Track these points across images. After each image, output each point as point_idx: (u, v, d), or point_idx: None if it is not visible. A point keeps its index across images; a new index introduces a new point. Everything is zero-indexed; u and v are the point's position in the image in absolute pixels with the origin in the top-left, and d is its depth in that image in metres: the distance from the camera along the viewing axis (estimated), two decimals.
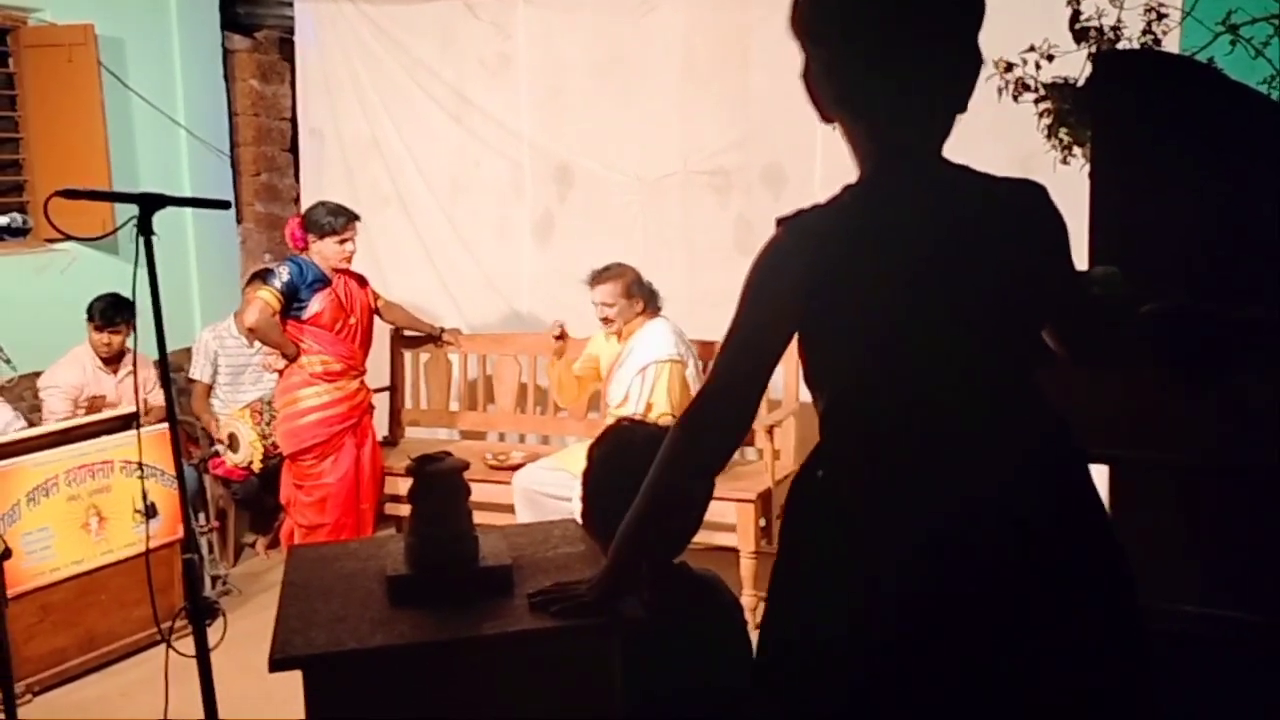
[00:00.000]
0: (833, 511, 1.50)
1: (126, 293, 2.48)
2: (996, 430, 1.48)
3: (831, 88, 1.48)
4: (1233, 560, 2.25)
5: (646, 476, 1.61)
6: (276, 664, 1.60)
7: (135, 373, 3.57)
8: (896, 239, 1.45)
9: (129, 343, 4.77)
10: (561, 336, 4.74)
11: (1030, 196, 1.53)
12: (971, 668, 1.43)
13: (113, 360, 4.85)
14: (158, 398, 4.72)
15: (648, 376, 4.33)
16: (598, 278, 4.49)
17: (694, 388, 4.29)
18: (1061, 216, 1.54)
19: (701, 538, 4.19)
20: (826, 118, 1.52)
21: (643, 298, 4.47)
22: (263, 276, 4.64)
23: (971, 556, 1.43)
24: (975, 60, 1.49)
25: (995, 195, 1.52)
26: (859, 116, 1.49)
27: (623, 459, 2.01)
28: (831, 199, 1.51)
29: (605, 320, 4.50)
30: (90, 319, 4.74)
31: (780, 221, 1.48)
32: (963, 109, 1.49)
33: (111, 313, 4.66)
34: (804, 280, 1.45)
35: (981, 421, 1.47)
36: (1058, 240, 1.55)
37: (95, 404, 4.72)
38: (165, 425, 2.62)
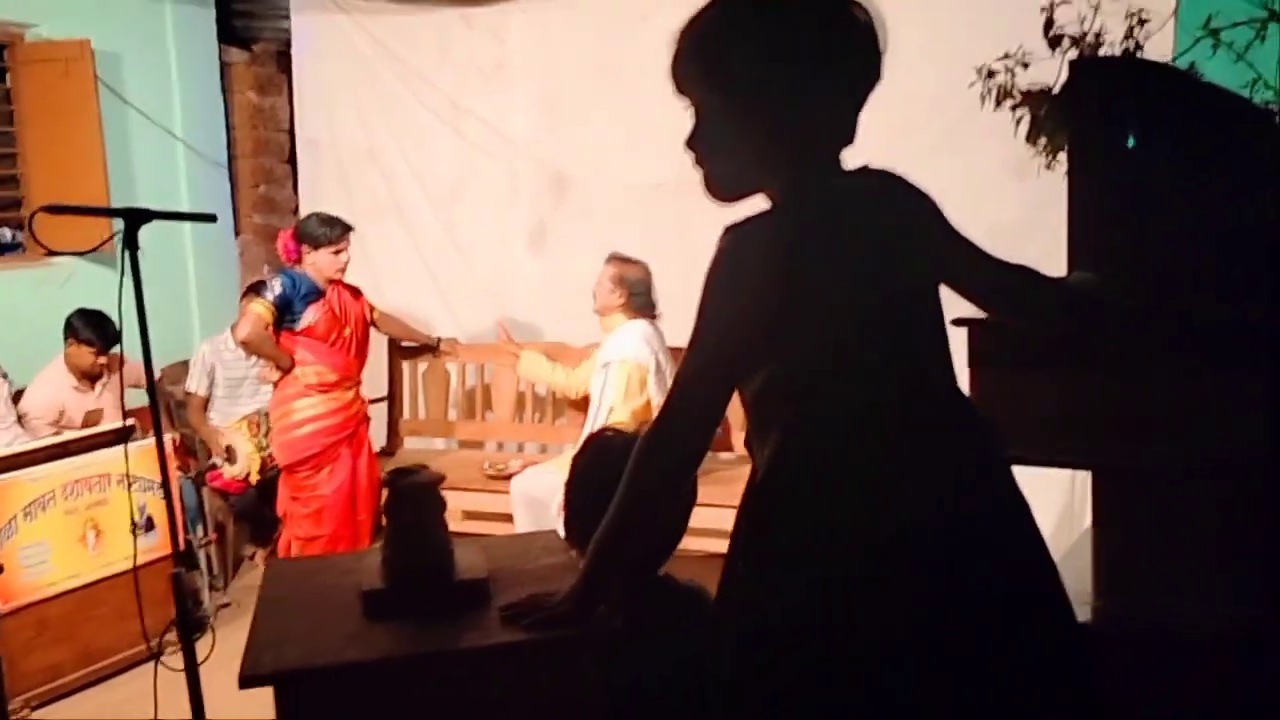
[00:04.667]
0: (793, 510, 1.51)
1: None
2: (941, 426, 1.54)
3: (740, 132, 1.50)
4: (1214, 559, 2.24)
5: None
6: (246, 681, 1.61)
7: (121, 379, 3.53)
8: (832, 242, 1.49)
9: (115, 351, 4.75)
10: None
11: (900, 184, 1.61)
12: (925, 663, 1.45)
13: (92, 377, 4.83)
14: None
15: (609, 374, 4.38)
16: (610, 259, 4.56)
17: (659, 395, 4.30)
18: (927, 194, 1.62)
19: (696, 545, 4.21)
20: (729, 184, 1.55)
21: (625, 294, 4.48)
22: (256, 289, 4.64)
23: (924, 556, 1.46)
24: (862, 105, 1.54)
25: (883, 189, 1.59)
26: (779, 161, 1.52)
27: (602, 469, 2.01)
28: (769, 210, 1.53)
29: (593, 295, 4.58)
30: (76, 336, 4.69)
31: (728, 230, 1.48)
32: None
33: (110, 330, 4.64)
34: (759, 284, 1.46)
35: (927, 417, 1.52)
36: (938, 215, 1.63)
37: (91, 418, 4.72)
38: None
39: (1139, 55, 2.55)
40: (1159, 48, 2.73)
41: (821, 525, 1.48)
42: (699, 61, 1.51)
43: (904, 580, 1.45)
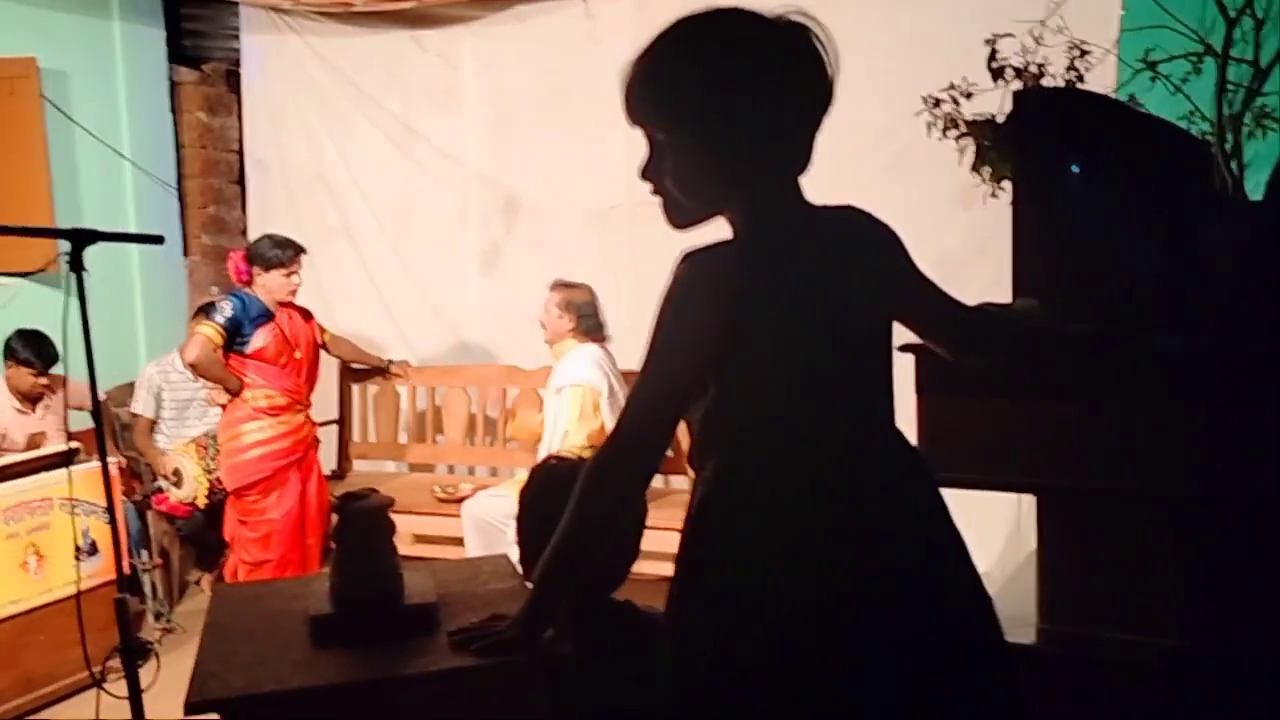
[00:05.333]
0: (723, 541, 1.53)
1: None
2: (881, 463, 1.56)
3: (708, 169, 1.51)
4: (1162, 588, 2.28)
5: None
6: (190, 707, 1.59)
7: (65, 401, 3.48)
8: (787, 275, 1.50)
9: (59, 370, 4.68)
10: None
11: (865, 219, 1.62)
12: (858, 696, 1.46)
13: (34, 399, 4.75)
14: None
15: (562, 399, 4.39)
16: (553, 286, 4.56)
17: (612, 419, 4.31)
18: (893, 231, 1.64)
19: (653, 569, 4.22)
20: (686, 212, 1.56)
21: (574, 318, 4.50)
22: (207, 311, 4.60)
23: (856, 592, 1.47)
24: (816, 131, 1.55)
25: (846, 224, 1.60)
26: (737, 190, 1.52)
27: (549, 497, 2.02)
28: (728, 240, 1.54)
29: (541, 324, 4.57)
30: (14, 357, 4.62)
31: (686, 256, 1.49)
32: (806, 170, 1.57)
33: (49, 350, 4.58)
34: (712, 314, 1.47)
35: (866, 453, 1.54)
36: (902, 253, 1.65)
37: (34, 441, 4.65)
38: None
39: (1081, 87, 2.61)
40: (1100, 80, 2.80)
41: (751, 557, 1.48)
42: (649, 93, 1.51)
43: (835, 615, 1.46)
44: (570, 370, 4.43)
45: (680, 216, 1.56)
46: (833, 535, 1.48)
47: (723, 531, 1.53)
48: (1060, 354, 2.02)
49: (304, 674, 1.68)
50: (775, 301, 1.48)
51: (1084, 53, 2.68)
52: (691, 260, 1.48)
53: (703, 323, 1.47)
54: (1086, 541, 2.32)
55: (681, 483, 4.87)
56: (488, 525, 4.44)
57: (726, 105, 1.47)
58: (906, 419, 1.98)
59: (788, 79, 1.49)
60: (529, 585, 2.02)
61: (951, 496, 1.66)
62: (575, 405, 4.32)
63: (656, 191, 1.56)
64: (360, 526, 1.86)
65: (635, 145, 1.59)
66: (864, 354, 1.57)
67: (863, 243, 1.60)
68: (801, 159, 1.55)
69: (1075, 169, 2.29)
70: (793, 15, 1.51)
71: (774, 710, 1.46)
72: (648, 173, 1.55)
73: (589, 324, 4.52)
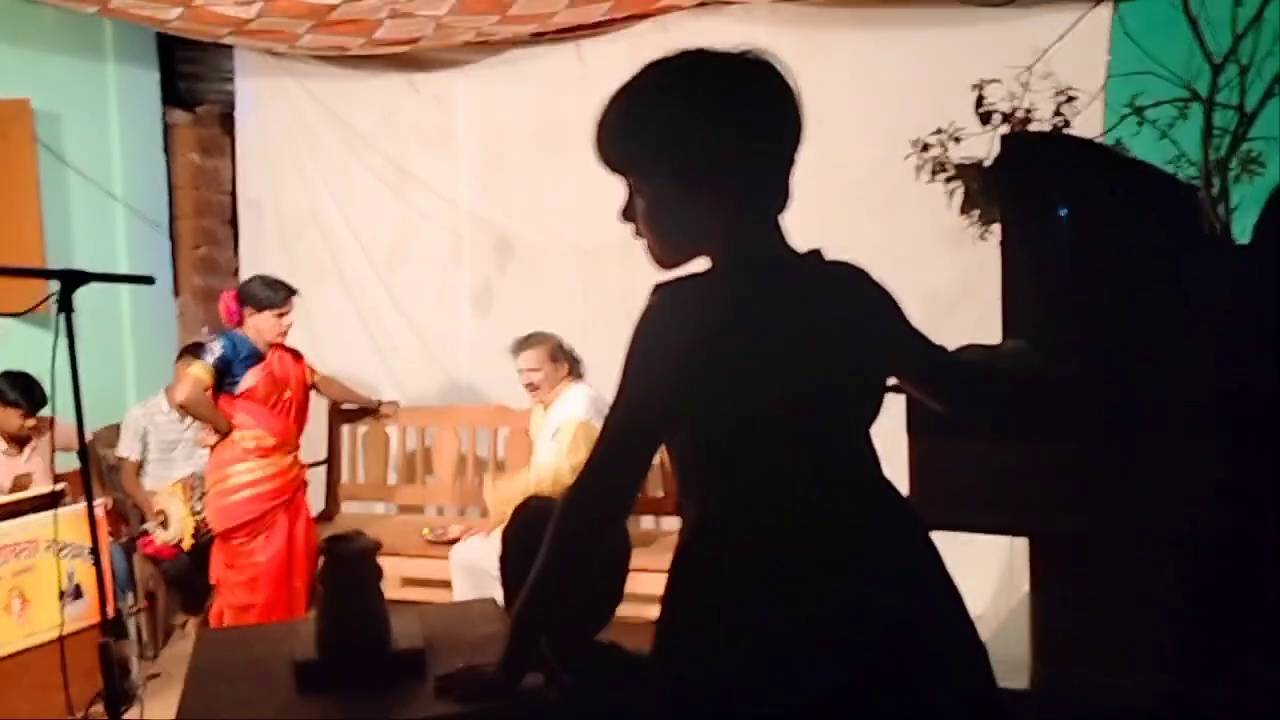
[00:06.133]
0: (714, 579, 1.52)
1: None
2: (862, 507, 1.55)
3: (681, 210, 1.51)
4: (1157, 630, 2.27)
5: None
6: None
7: (52, 442, 3.45)
8: (762, 318, 1.49)
9: (46, 412, 4.66)
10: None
11: (861, 276, 1.63)
12: None
13: (21, 441, 4.72)
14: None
15: (562, 437, 4.36)
16: (521, 345, 4.55)
17: None
18: (885, 289, 1.64)
19: (642, 612, 4.19)
20: (670, 252, 1.56)
21: (567, 362, 4.52)
22: (194, 351, 4.59)
23: (839, 635, 1.46)
24: (791, 167, 1.55)
25: (834, 274, 1.60)
26: (715, 231, 1.52)
27: (532, 537, 2.01)
28: (703, 273, 1.54)
29: (530, 387, 4.55)
30: (2, 399, 4.59)
31: (658, 288, 1.50)
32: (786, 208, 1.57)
33: (37, 392, 4.56)
34: (685, 343, 1.46)
35: (847, 497, 1.53)
36: (892, 307, 1.65)
37: (20, 483, 4.62)
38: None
39: (1067, 132, 2.64)
40: (1087, 125, 2.82)
41: (730, 602, 1.48)
42: (615, 136, 1.53)
43: (817, 658, 1.45)
44: (568, 409, 4.42)
45: (663, 257, 1.57)
46: (812, 580, 1.47)
47: (703, 577, 1.52)
48: (1049, 401, 2.03)
49: None
50: (743, 339, 1.47)
51: (1070, 98, 2.71)
52: (662, 291, 1.49)
53: (669, 353, 1.46)
54: (1080, 584, 2.31)
55: (672, 524, 4.85)
56: (476, 569, 4.41)
57: (690, 145, 1.48)
58: (898, 460, 1.98)
59: (751, 113, 1.49)
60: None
61: (943, 539, 1.65)
62: (579, 441, 4.31)
63: (638, 233, 1.57)
64: (346, 571, 1.84)
65: (626, 186, 1.60)
66: (847, 402, 1.56)
67: (853, 297, 1.60)
68: (776, 197, 1.54)
69: (1062, 212, 2.30)
70: (752, 52, 1.52)
71: None
72: (628, 214, 1.56)
73: (577, 366, 4.53)
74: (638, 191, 1.54)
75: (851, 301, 1.59)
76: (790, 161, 1.54)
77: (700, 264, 1.58)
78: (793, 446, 1.50)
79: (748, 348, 1.47)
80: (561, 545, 1.57)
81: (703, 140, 1.48)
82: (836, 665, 1.46)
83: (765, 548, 1.48)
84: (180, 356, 5.15)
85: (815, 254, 1.59)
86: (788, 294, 1.52)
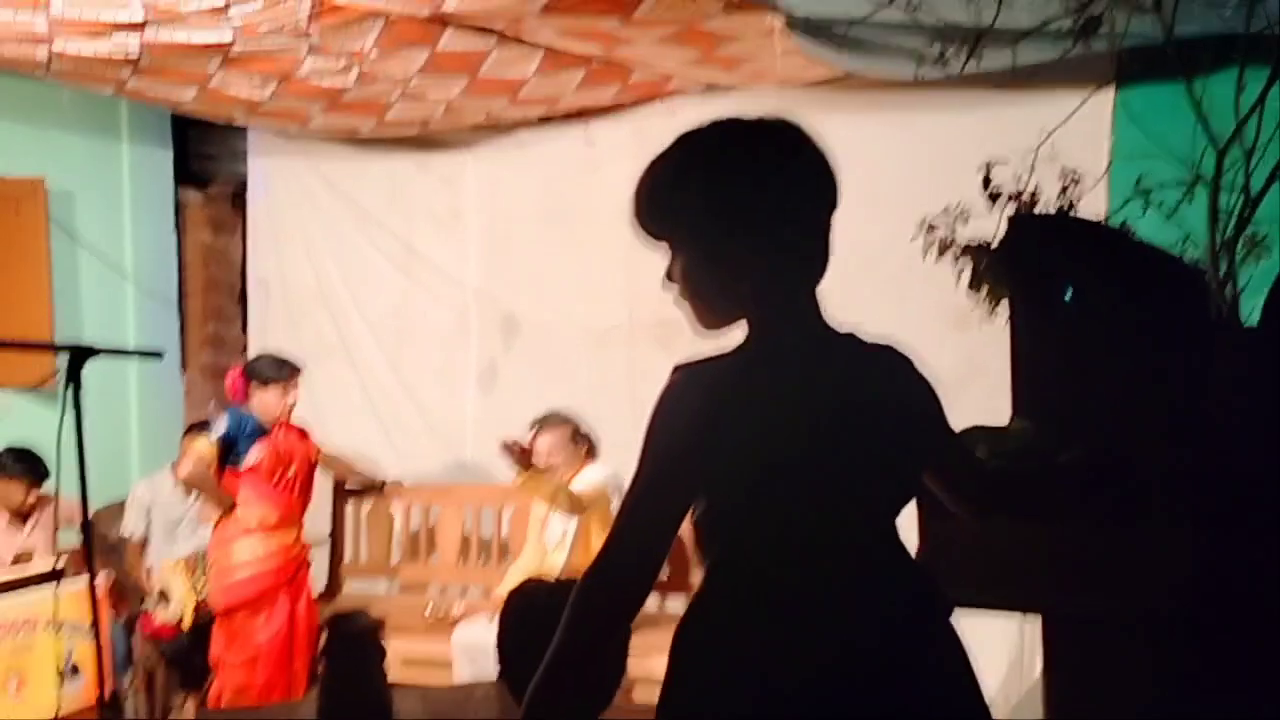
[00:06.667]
0: (717, 655, 1.50)
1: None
2: (877, 584, 1.53)
3: (716, 278, 1.52)
4: (1161, 711, 2.23)
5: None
6: None
7: (55, 518, 3.43)
8: (786, 391, 1.48)
9: (50, 486, 4.64)
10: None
11: (903, 362, 1.62)
12: None
13: (23, 515, 4.69)
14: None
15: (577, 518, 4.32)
16: (543, 426, 4.50)
17: None
18: (929, 382, 1.63)
19: (650, 695, 4.12)
20: (709, 318, 1.56)
21: (585, 444, 4.51)
22: (201, 428, 4.59)
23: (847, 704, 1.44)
24: (829, 233, 1.56)
25: (873, 359, 1.59)
26: (750, 298, 1.53)
27: (528, 621, 2.01)
28: (726, 351, 1.53)
29: (550, 468, 4.49)
30: (5, 472, 4.59)
31: (677, 369, 1.49)
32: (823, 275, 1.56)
33: (40, 466, 4.55)
34: (695, 428, 1.46)
35: (862, 576, 1.51)
36: (931, 401, 1.64)
37: (21, 558, 4.58)
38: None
39: (1073, 213, 2.65)
40: (1092, 206, 2.84)
41: (732, 672, 1.47)
42: (649, 207, 1.55)
43: None
44: (586, 480, 4.40)
45: (702, 322, 1.57)
46: (817, 658, 1.45)
47: (701, 645, 1.51)
48: (1061, 483, 2.02)
49: None
50: (765, 419, 1.46)
51: (1075, 180, 2.73)
52: (681, 373, 1.49)
53: (689, 431, 1.46)
54: (1096, 666, 2.28)
55: (676, 605, 4.79)
56: (479, 651, 4.35)
57: (721, 210, 1.49)
58: (908, 535, 1.96)
59: (782, 177, 1.51)
60: (511, 704, 1.98)
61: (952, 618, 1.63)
62: (599, 512, 4.28)
63: (680, 297, 1.57)
64: (349, 650, 1.82)
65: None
66: (871, 490, 1.53)
67: (892, 384, 1.58)
68: (813, 264, 1.55)
69: (1069, 294, 2.31)
70: (784, 119, 1.54)
71: None
72: (670, 278, 1.57)
73: (591, 445, 4.51)
74: (676, 258, 1.55)
75: (889, 388, 1.57)
76: (826, 227, 1.55)
77: (730, 339, 1.57)
78: (808, 527, 1.48)
79: (768, 429, 1.46)
80: (580, 625, 1.52)
81: (733, 205, 1.49)
82: None
83: (768, 625, 1.47)
84: (187, 433, 5.15)
85: (851, 336, 1.58)
86: (818, 375, 1.51)
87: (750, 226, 1.49)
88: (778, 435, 1.46)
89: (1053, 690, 2.37)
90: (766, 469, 1.46)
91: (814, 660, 1.45)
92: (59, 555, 4.29)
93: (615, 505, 4.34)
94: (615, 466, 4.52)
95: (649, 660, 3.89)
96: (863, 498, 1.52)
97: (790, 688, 1.44)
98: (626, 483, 4.21)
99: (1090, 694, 2.29)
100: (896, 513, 1.59)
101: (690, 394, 1.47)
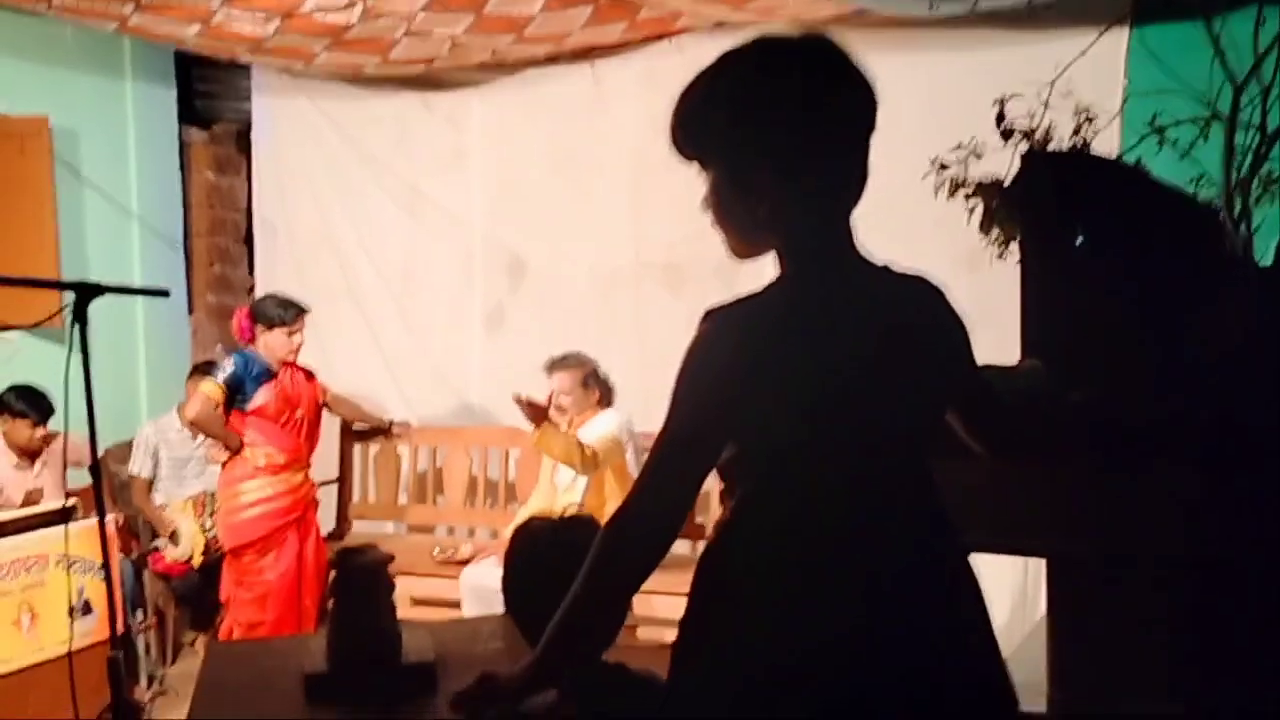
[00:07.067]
0: (741, 590, 1.49)
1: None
2: (906, 519, 1.51)
3: (743, 201, 1.49)
4: (1177, 655, 2.24)
5: (569, 578, 1.57)
6: None
7: (64, 457, 3.43)
8: (820, 333, 1.46)
9: (59, 426, 4.66)
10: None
11: (935, 293, 1.59)
12: None
13: (32, 454, 4.72)
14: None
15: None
16: (556, 365, 4.50)
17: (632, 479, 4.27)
18: (959, 315, 1.60)
19: (656, 634, 4.16)
20: (739, 244, 1.55)
21: (599, 389, 4.48)
22: (205, 370, 4.59)
23: (871, 643, 1.44)
24: (867, 157, 1.52)
25: (905, 291, 1.56)
26: (776, 224, 1.50)
27: (532, 558, 2.02)
28: (757, 292, 1.51)
29: (559, 409, 4.49)
30: (10, 411, 4.60)
31: (708, 314, 1.48)
32: (857, 201, 1.53)
33: (44, 403, 4.57)
34: (728, 373, 1.44)
35: (891, 510, 1.49)
36: (960, 336, 1.61)
37: (31, 498, 4.61)
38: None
39: (1087, 151, 2.62)
40: (1106, 144, 2.81)
41: (757, 604, 1.46)
42: (685, 125, 1.52)
43: (843, 672, 1.43)
44: (595, 431, 4.39)
45: (736, 250, 1.56)
46: (842, 593, 1.45)
47: (730, 581, 1.50)
48: (1071, 425, 2.01)
49: None
50: (799, 354, 1.44)
51: (1090, 118, 2.69)
52: (712, 317, 1.47)
53: (721, 378, 1.44)
54: (1098, 607, 2.29)
55: (685, 548, 4.81)
56: (486, 590, 4.38)
57: (749, 129, 1.46)
58: None
59: (815, 95, 1.47)
60: (520, 638, 1.99)
61: None
62: (613, 461, 4.29)
63: (714, 223, 1.56)
64: (359, 583, 1.82)
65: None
66: (902, 424, 1.51)
67: (925, 314, 1.56)
68: (846, 187, 1.51)
69: (1081, 232, 2.29)
70: (821, 36, 1.50)
71: None
72: (706, 205, 1.55)
73: (607, 391, 4.50)
74: (711, 183, 1.53)
75: (923, 321, 1.55)
76: (860, 149, 1.51)
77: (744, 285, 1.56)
78: (841, 462, 1.47)
79: (805, 371, 1.44)
80: (605, 573, 1.51)
81: (760, 122, 1.46)
82: (860, 684, 1.43)
83: (798, 559, 1.46)
84: (191, 375, 5.16)
85: (886, 269, 1.55)
86: (854, 311, 1.48)
87: (777, 146, 1.46)
88: (814, 376, 1.44)
89: (1056, 632, 2.38)
90: (803, 409, 1.44)
91: (841, 595, 1.44)
92: (69, 495, 4.31)
93: (630, 454, 4.35)
94: (623, 408, 4.52)
95: (652, 600, 3.95)
96: (895, 431, 1.50)
97: (817, 621, 1.43)
98: (636, 428, 4.19)
99: (1093, 635, 2.30)
100: (925, 447, 1.57)
101: (723, 341, 1.45)
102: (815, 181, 1.48)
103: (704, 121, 1.50)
